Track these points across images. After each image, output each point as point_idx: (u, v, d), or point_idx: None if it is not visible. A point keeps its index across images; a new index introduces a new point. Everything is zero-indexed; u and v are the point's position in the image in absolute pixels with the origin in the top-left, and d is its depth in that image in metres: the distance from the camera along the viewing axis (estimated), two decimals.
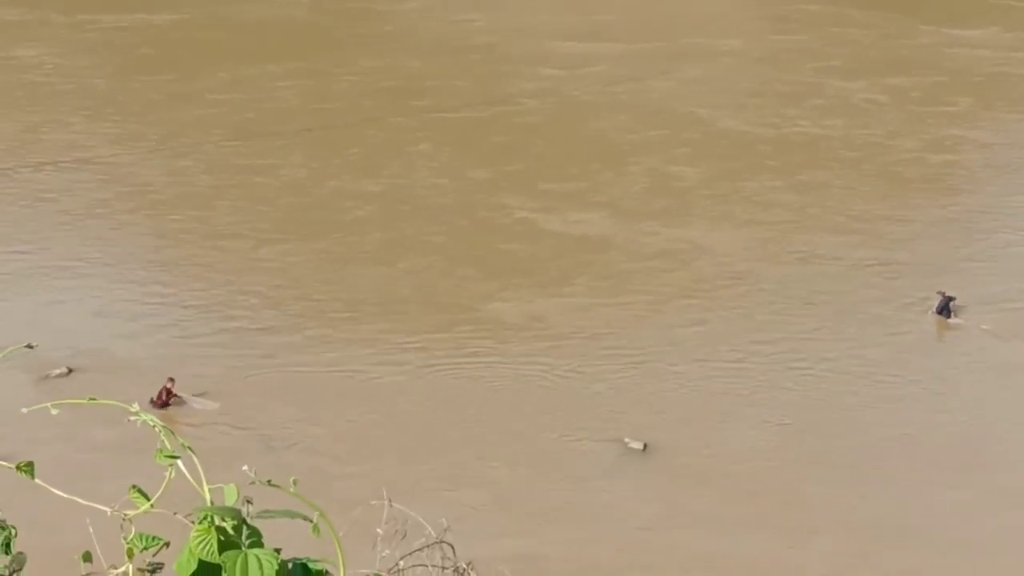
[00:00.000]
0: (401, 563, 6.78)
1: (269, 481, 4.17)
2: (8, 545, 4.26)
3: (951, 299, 37.69)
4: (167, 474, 4.17)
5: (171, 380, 32.59)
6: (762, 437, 32.19)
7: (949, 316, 37.50)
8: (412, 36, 64.79)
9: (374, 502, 8.15)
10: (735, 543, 28.28)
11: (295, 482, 4.15)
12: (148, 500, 4.23)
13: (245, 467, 4.24)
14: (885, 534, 28.64)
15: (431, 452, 31.14)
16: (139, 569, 4.24)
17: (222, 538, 4.13)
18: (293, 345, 36.13)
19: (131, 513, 4.22)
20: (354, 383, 34.26)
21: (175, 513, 4.23)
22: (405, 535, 7.56)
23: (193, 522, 4.13)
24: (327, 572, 4.19)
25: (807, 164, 49.53)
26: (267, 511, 4.20)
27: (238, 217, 44.23)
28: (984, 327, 37.43)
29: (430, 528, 7.26)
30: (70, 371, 34.07)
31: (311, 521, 4.18)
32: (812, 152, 50.95)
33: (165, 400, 32.06)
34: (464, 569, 7.00)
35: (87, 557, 4.36)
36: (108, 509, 4.25)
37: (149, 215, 44.93)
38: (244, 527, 4.16)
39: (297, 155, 49.71)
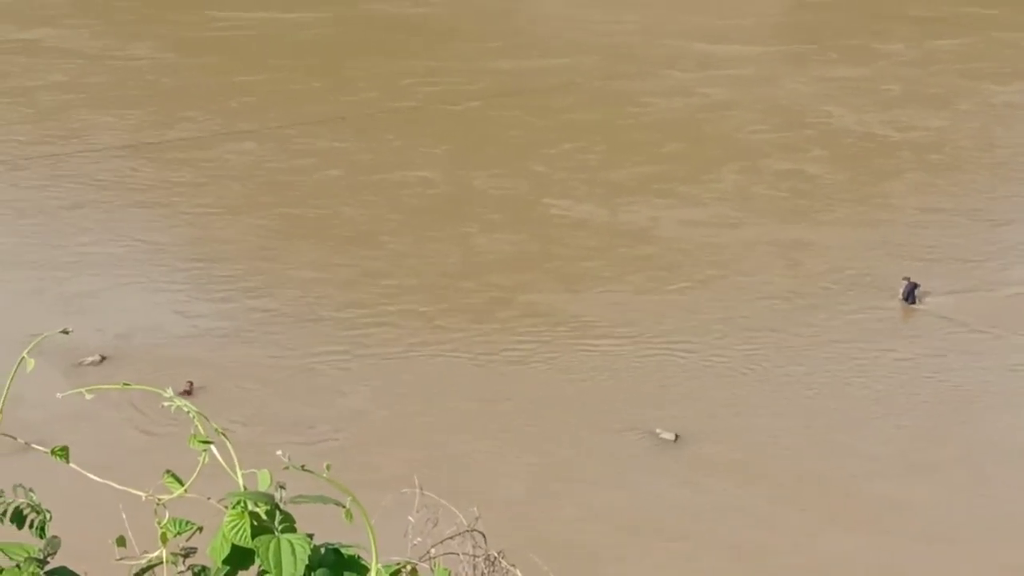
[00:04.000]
0: (432, 551, 6.76)
1: (303, 466, 4.17)
2: (43, 529, 4.28)
3: (916, 286, 38.31)
4: (200, 459, 4.18)
5: (190, 383, 32.56)
6: (900, 439, 31.79)
7: (913, 302, 37.91)
8: (549, 37, 64.73)
9: (405, 490, 8.13)
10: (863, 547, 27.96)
11: (328, 467, 4.15)
12: (182, 485, 4.24)
13: (279, 452, 4.25)
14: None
15: (461, 439, 31.12)
16: (173, 553, 4.26)
17: (255, 523, 4.14)
18: (368, 339, 36.07)
19: (165, 498, 4.23)
20: (408, 375, 34.25)
21: (208, 498, 4.24)
22: (437, 523, 7.54)
23: (226, 507, 4.14)
24: (359, 557, 4.20)
25: (945, 167, 48.97)
26: (300, 496, 4.21)
27: (360, 212, 44.08)
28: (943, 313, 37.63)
29: (461, 516, 7.23)
30: (103, 359, 34.15)
31: (344, 507, 4.18)
32: (951, 155, 50.24)
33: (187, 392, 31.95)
34: (495, 558, 6.99)
35: (121, 542, 4.37)
36: (143, 494, 4.26)
37: (258, 209, 44.76)
38: (277, 512, 4.18)
39: (430, 154, 49.45)
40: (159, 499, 4.22)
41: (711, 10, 69.89)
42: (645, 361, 35.03)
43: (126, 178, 47.22)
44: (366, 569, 4.16)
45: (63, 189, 46.01)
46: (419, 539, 7.15)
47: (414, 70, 59.28)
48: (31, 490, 4.28)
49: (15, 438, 4.27)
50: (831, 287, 39.36)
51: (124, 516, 4.89)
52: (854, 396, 33.56)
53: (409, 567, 4.21)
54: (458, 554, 6.89)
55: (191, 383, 32.51)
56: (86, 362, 33.71)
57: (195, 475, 4.19)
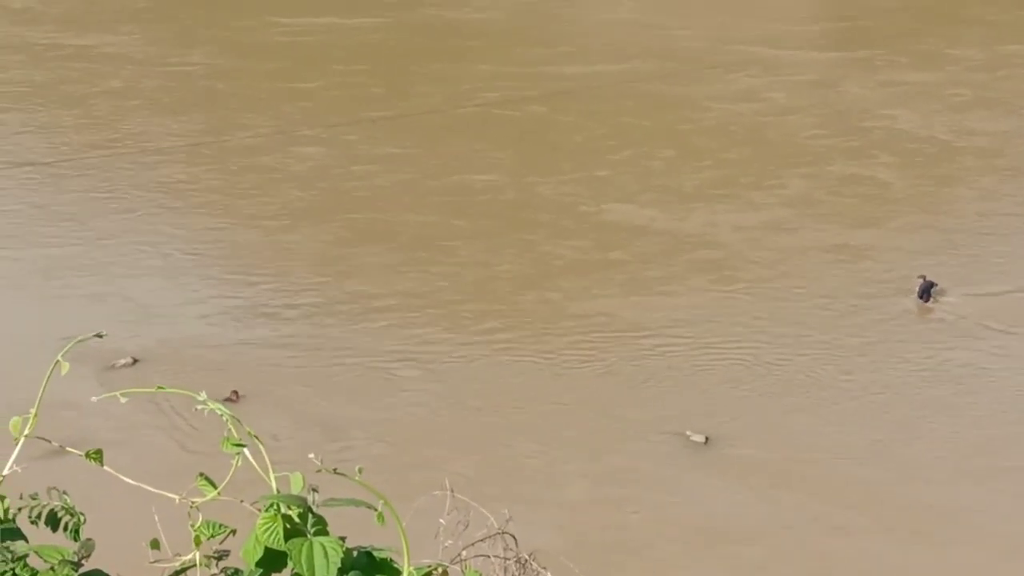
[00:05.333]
0: (463, 553, 6.78)
1: (335, 469, 4.20)
2: (77, 531, 4.32)
3: (932, 284, 37.87)
4: (233, 462, 4.20)
5: (235, 392, 32.26)
6: (958, 446, 31.38)
7: (928, 300, 37.67)
8: (613, 42, 64.47)
9: (436, 492, 8.15)
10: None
11: (360, 471, 4.17)
12: (215, 488, 4.27)
13: (311, 455, 4.27)
14: None
15: (495, 444, 31.11)
16: (206, 556, 4.28)
17: (288, 526, 4.17)
18: (391, 341, 36.12)
19: (198, 500, 4.26)
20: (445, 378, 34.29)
21: (242, 501, 4.27)
22: (468, 525, 7.54)
23: (259, 510, 4.16)
24: (391, 560, 4.21)
25: (1011, 172, 48.36)
26: (333, 499, 4.23)
27: (423, 218, 43.80)
28: (964, 313, 37.26)
29: (492, 519, 7.23)
30: (135, 361, 34.17)
31: (376, 510, 4.20)
32: (1018, 160, 49.88)
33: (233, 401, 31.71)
34: (526, 560, 7.00)
35: (155, 544, 4.41)
36: (176, 496, 4.30)
37: (319, 215, 44.47)
38: (310, 515, 4.20)
39: (493, 159, 49.23)
40: (192, 502, 4.25)
41: (777, 16, 69.50)
42: (700, 366, 34.88)
43: (184, 184, 47.42)
44: (398, 572, 4.18)
45: (120, 195, 46.24)
46: (450, 541, 7.16)
47: (476, 75, 59.30)
48: (65, 493, 4.32)
49: (49, 441, 4.31)
50: (888, 292, 39.05)
51: (157, 519, 4.92)
52: (907, 401, 33.31)
53: (440, 570, 4.23)
54: (489, 556, 6.89)
55: (236, 392, 32.21)
56: (119, 364, 33.72)
57: (228, 478, 4.22)
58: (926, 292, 37.84)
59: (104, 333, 4.73)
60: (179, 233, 43.39)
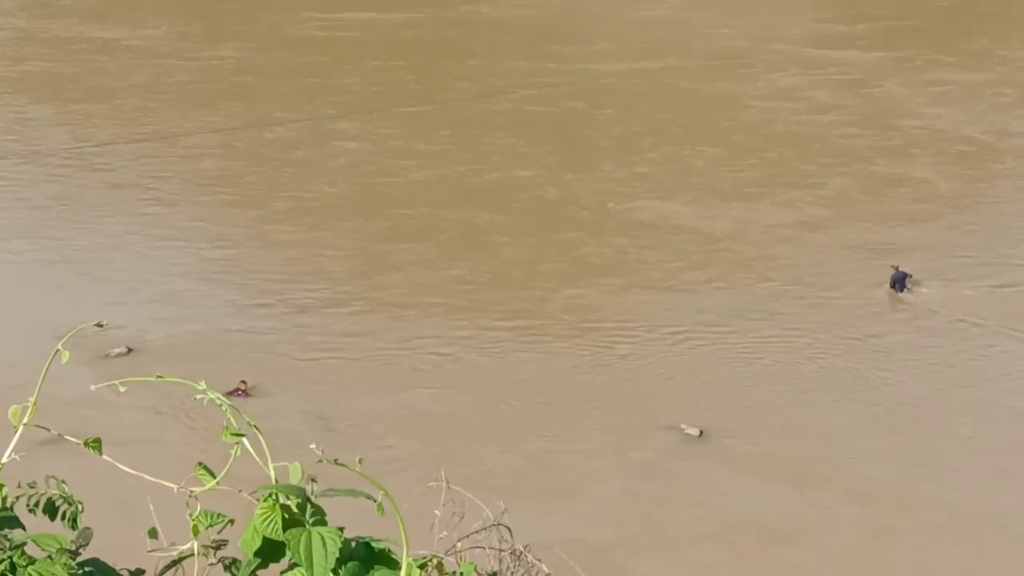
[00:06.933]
0: (458, 545, 6.78)
1: (336, 460, 4.18)
2: (75, 520, 4.31)
3: (907, 275, 38.29)
4: (232, 452, 4.18)
5: (243, 383, 32.14)
6: (981, 447, 31.40)
7: (901, 290, 38.01)
8: (653, 40, 64.44)
9: (432, 484, 8.16)
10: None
11: (360, 461, 4.15)
12: (214, 477, 4.25)
13: (313, 445, 4.25)
14: None
15: (487, 436, 31.10)
16: (204, 545, 4.27)
17: (286, 516, 4.14)
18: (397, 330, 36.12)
19: (197, 490, 4.25)
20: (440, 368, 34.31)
21: (240, 491, 4.25)
22: (463, 517, 7.56)
23: (258, 500, 4.14)
24: (390, 551, 4.19)
25: None
26: (331, 490, 4.21)
27: (461, 215, 43.83)
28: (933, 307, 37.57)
29: (488, 511, 7.24)
30: (129, 351, 34.15)
31: (375, 500, 4.18)
32: None
33: (242, 391, 31.57)
34: (520, 552, 7.00)
35: (153, 533, 4.39)
36: (175, 486, 4.28)
37: (357, 211, 44.61)
38: (308, 505, 4.18)
39: (531, 156, 49.18)
40: (191, 491, 4.23)
41: (821, 15, 69.37)
42: (728, 362, 34.87)
43: (217, 178, 47.49)
44: (396, 563, 4.16)
45: (149, 188, 46.37)
46: (445, 533, 7.16)
47: (513, 70, 59.25)
48: (63, 481, 4.31)
49: (48, 429, 4.30)
50: (919, 291, 38.91)
51: (152, 508, 4.91)
52: (934, 404, 33.11)
53: (435, 561, 4.21)
54: (484, 548, 6.90)
55: (244, 382, 32.04)
56: (113, 354, 33.64)
57: (227, 468, 4.20)
58: (899, 282, 38.01)
59: (105, 323, 4.73)
60: (211, 228, 43.44)
